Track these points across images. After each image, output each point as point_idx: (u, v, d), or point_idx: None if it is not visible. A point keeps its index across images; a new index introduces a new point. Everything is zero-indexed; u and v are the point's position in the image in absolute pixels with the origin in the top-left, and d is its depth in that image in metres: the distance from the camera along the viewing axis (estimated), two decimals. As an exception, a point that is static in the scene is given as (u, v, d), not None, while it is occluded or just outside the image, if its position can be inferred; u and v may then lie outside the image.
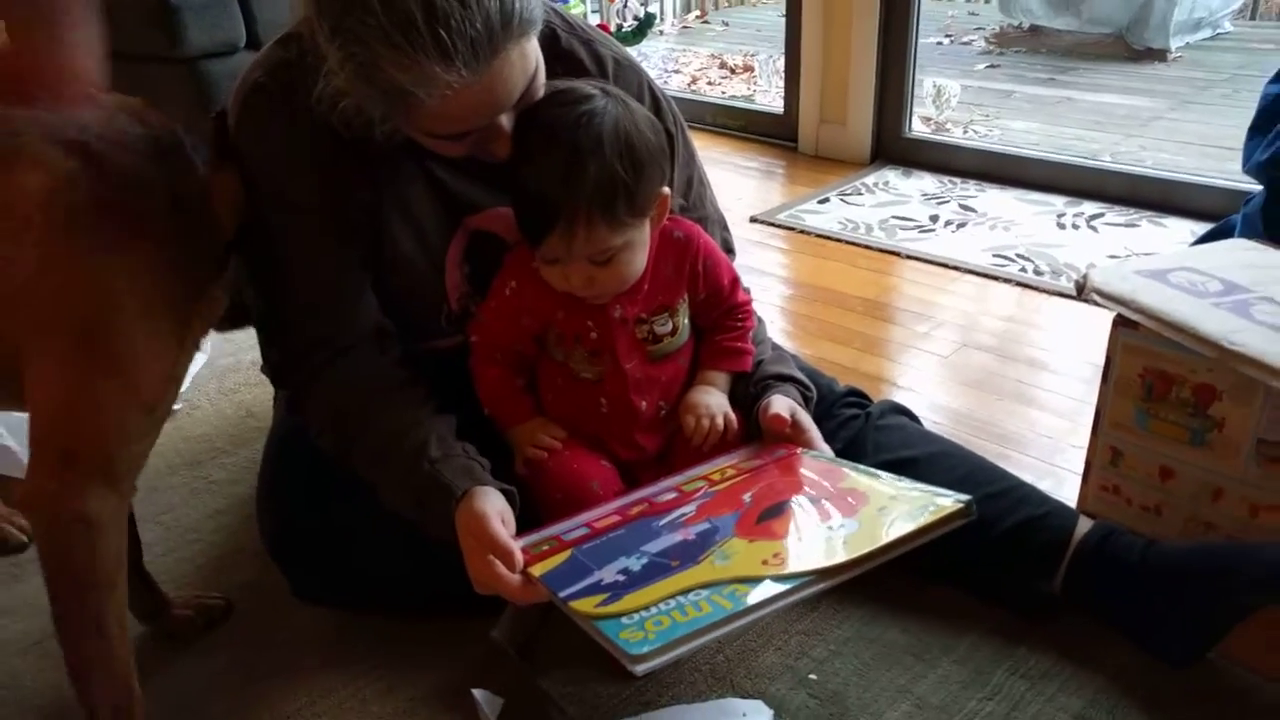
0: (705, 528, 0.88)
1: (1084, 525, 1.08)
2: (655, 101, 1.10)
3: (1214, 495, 1.10)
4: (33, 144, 0.82)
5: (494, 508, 0.90)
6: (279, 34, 1.00)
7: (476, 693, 1.00)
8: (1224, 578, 0.98)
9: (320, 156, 0.96)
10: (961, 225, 2.28)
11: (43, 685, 1.08)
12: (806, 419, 1.03)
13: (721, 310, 1.09)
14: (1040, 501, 1.10)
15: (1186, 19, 4.10)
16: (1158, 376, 1.11)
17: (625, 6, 4.11)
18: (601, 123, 0.92)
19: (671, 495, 0.96)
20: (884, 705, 1.00)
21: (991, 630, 1.08)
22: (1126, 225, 2.23)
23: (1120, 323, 1.13)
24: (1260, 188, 1.37)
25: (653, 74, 1.14)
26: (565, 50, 1.05)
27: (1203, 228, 1.82)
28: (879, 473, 0.95)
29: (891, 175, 2.62)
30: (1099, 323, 1.73)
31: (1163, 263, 1.20)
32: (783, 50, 2.88)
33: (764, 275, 2.08)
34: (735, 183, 2.65)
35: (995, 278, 2.01)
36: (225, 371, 1.74)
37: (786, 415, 1.01)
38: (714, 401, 1.05)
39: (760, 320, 1.15)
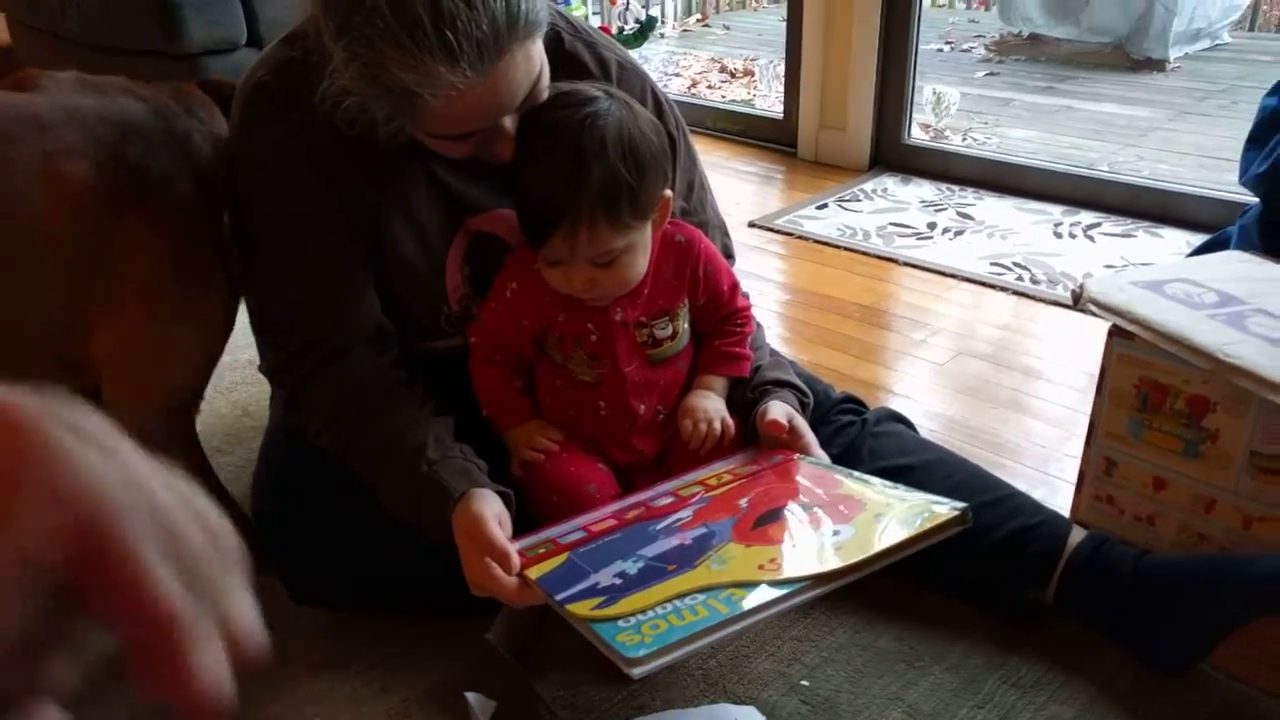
0: (702, 532, 0.88)
1: (1077, 535, 1.08)
2: (658, 105, 1.10)
3: (1207, 506, 1.11)
4: (67, 135, 0.89)
5: (491, 510, 0.90)
6: (284, 32, 1.00)
7: (469, 695, 1.00)
8: (1216, 589, 0.99)
9: (323, 156, 0.96)
10: (959, 233, 2.29)
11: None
12: (804, 425, 1.03)
13: (720, 315, 1.09)
14: (1034, 511, 1.10)
15: (1185, 29, 4.11)
16: (1152, 387, 1.11)
17: (627, 9, 4.12)
18: (605, 125, 0.92)
19: (668, 500, 0.96)
20: (876, 712, 1.00)
21: (983, 638, 1.09)
22: (1123, 235, 2.24)
23: (1115, 333, 1.13)
24: (1257, 200, 1.38)
25: (653, 77, 1.14)
26: (569, 53, 1.05)
27: (1199, 239, 1.83)
28: (875, 480, 0.96)
29: (890, 182, 2.63)
30: (1094, 332, 1.74)
31: (1159, 274, 1.20)
32: (783, 55, 2.88)
33: (762, 280, 2.08)
34: (734, 187, 2.66)
35: (992, 286, 2.01)
36: (222, 370, 1.72)
37: (784, 421, 1.01)
38: (711, 406, 1.06)
39: (759, 326, 1.15)
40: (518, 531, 0.92)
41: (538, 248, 0.96)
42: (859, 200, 2.51)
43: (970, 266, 2.10)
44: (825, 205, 2.48)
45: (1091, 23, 4.21)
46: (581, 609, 0.79)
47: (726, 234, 1.20)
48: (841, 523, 0.87)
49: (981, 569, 1.08)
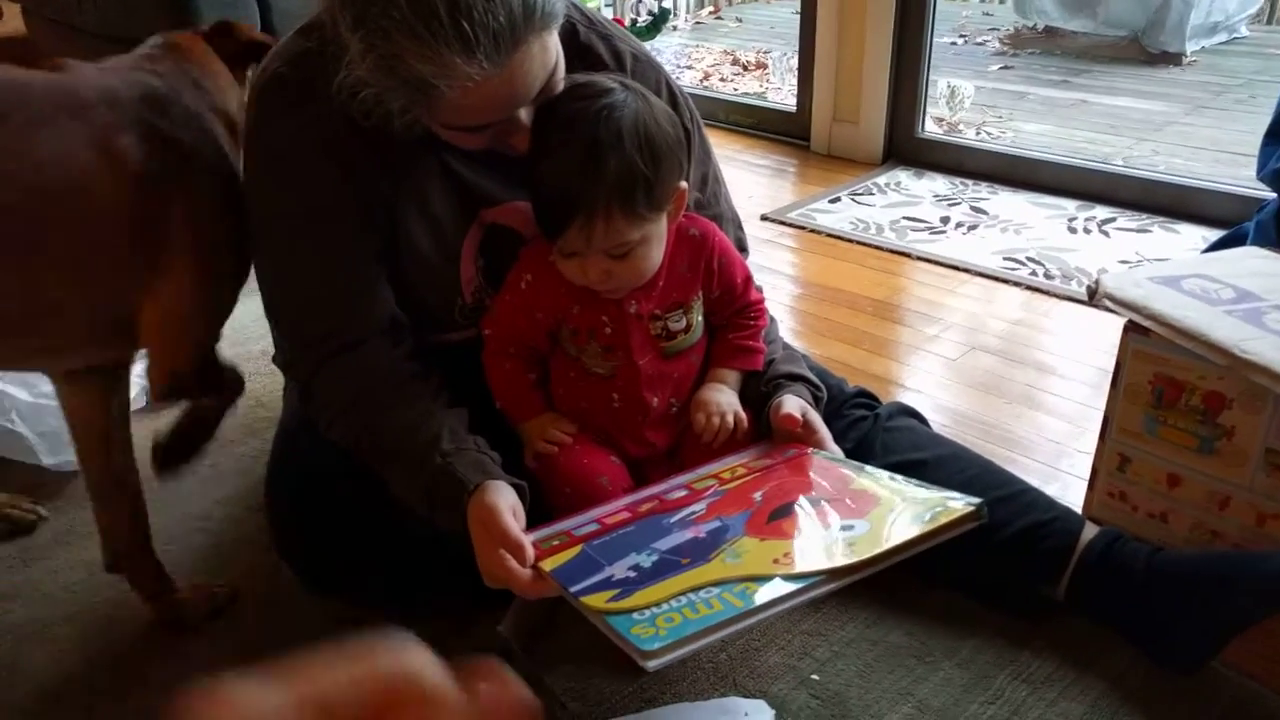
0: (716, 526, 0.88)
1: (1090, 531, 1.08)
2: (673, 97, 1.10)
3: (1221, 503, 1.10)
4: (108, 113, 0.93)
5: (506, 502, 0.90)
6: (298, 23, 1.00)
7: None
8: (1229, 586, 0.99)
9: (339, 147, 0.96)
10: (973, 227, 2.28)
11: (46, 671, 1.08)
12: (818, 419, 1.03)
13: (734, 308, 1.09)
14: (1047, 507, 1.10)
15: (1203, 23, 4.08)
16: (1168, 383, 1.11)
17: (640, 1, 4.10)
18: (621, 116, 0.92)
19: (682, 493, 0.96)
20: (885, 707, 1.00)
21: (994, 634, 1.09)
22: (1138, 230, 2.23)
23: (1131, 329, 1.13)
24: (1274, 195, 1.37)
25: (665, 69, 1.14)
26: (584, 45, 1.05)
27: (1215, 234, 1.82)
28: (889, 474, 0.95)
29: (903, 176, 2.62)
30: (1106, 327, 1.74)
31: (1175, 269, 1.20)
32: (796, 47, 2.87)
33: (774, 274, 2.08)
34: (746, 180, 2.65)
35: (1005, 281, 2.00)
36: (235, 361, 1.74)
37: (798, 415, 1.01)
38: (725, 399, 1.06)
39: (772, 319, 1.15)
40: (531, 524, 0.92)
41: (553, 240, 0.96)
42: (872, 194, 2.50)
43: (983, 261, 2.09)
44: (838, 199, 2.48)
45: (1107, 16, 4.18)
46: (596, 601, 0.79)
47: (740, 227, 1.20)
48: (855, 518, 0.87)
49: (993, 565, 1.08)
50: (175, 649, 1.11)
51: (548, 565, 0.86)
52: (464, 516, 0.90)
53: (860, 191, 2.52)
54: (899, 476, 0.95)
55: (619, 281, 0.98)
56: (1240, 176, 2.37)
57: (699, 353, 1.08)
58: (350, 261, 1.01)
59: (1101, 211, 2.33)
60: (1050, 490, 1.17)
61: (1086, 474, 1.24)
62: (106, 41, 2.45)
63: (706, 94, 3.46)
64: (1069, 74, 4.00)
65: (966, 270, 2.05)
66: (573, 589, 0.81)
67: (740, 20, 5.34)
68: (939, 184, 2.55)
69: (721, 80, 3.87)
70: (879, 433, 1.16)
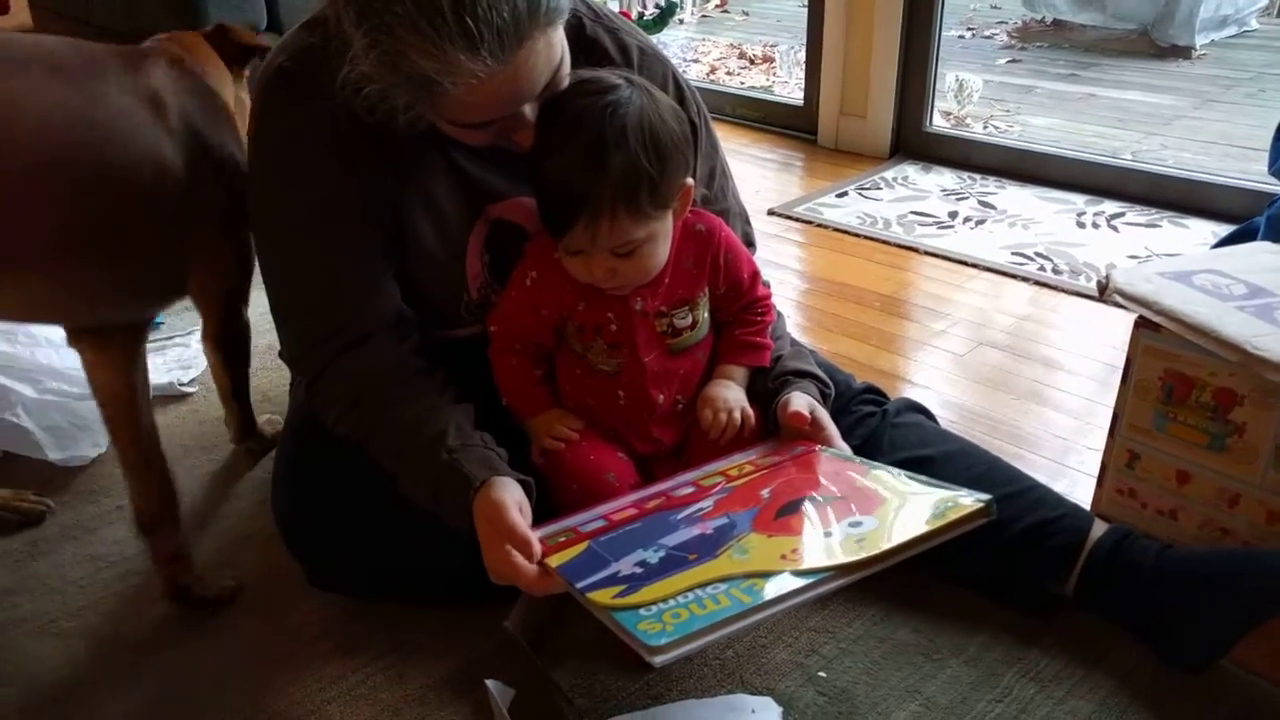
0: (723, 522, 0.87)
1: (1098, 528, 1.07)
2: (679, 92, 1.09)
3: (1231, 501, 1.09)
4: (150, 72, 1.06)
5: (512, 498, 0.90)
6: (303, 18, 1.00)
7: (490, 683, 1.00)
8: (1238, 584, 0.98)
9: (343, 142, 0.96)
10: (981, 222, 2.27)
11: (53, 665, 1.08)
12: (825, 416, 1.02)
13: (741, 304, 1.09)
14: (1056, 503, 1.09)
15: (1212, 16, 4.06)
16: (1178, 379, 1.10)
17: (646, -6, 4.09)
18: (626, 113, 0.91)
19: (689, 490, 0.96)
20: (893, 704, 1.00)
21: (1002, 631, 1.08)
22: (1147, 225, 2.22)
23: (1141, 324, 1.12)
24: (1286, 191, 1.36)
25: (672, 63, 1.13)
26: (590, 39, 1.05)
27: (1225, 229, 1.81)
28: (897, 471, 0.95)
29: (911, 170, 2.61)
30: (1115, 323, 1.73)
31: (1186, 264, 1.19)
32: (803, 41, 2.86)
33: (781, 269, 2.07)
34: (753, 175, 2.64)
35: (1013, 276, 1.99)
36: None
37: (806, 412, 1.00)
38: (732, 396, 1.05)
39: (779, 314, 1.15)
40: (537, 521, 0.92)
41: (558, 237, 0.96)
42: (879, 188, 2.49)
43: (991, 256, 2.08)
44: (845, 193, 2.47)
45: (1116, 9, 4.16)
46: (602, 597, 0.79)
47: (748, 222, 1.19)
48: (863, 514, 0.86)
49: (1001, 561, 1.07)
50: (182, 642, 1.11)
51: (554, 561, 0.86)
52: (470, 512, 0.90)
53: (868, 186, 2.51)
54: (907, 473, 0.94)
55: (624, 279, 0.98)
56: (1250, 171, 2.36)
57: (705, 349, 1.08)
58: (356, 257, 1.00)
59: (1110, 206, 2.32)
60: (1058, 487, 1.17)
61: (1095, 470, 1.24)
62: (112, 36, 2.46)
63: (713, 88, 3.45)
64: (1077, 67, 3.98)
65: (974, 265, 2.05)
66: (579, 585, 0.81)
67: (747, 14, 5.32)
68: (947, 178, 2.54)
69: (728, 74, 3.85)
70: (886, 429, 1.15)
